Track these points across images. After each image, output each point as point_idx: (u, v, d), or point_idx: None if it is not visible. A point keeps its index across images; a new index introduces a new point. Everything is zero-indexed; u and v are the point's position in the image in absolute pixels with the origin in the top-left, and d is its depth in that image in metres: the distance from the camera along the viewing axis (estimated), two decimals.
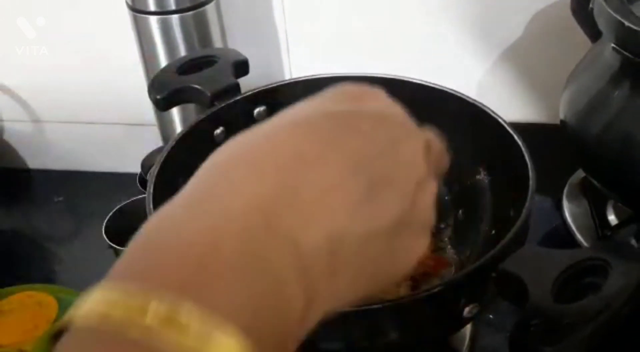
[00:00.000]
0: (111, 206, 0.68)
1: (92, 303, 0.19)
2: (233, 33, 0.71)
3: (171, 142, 0.52)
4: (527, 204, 0.45)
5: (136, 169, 0.71)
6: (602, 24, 0.55)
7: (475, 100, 0.55)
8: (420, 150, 0.28)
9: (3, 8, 0.75)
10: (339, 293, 0.25)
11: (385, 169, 0.26)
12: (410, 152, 0.27)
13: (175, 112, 0.70)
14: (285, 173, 0.23)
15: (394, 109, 0.29)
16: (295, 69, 0.78)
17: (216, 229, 0.21)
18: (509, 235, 0.42)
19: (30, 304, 0.62)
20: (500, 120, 0.53)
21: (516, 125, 0.52)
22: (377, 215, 0.25)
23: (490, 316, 0.59)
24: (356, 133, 0.26)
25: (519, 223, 0.43)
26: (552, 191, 0.71)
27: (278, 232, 0.22)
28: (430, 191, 0.29)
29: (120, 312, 0.19)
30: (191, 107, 0.67)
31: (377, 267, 0.26)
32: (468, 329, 0.57)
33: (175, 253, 0.20)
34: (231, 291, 0.20)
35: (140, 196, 0.67)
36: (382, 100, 0.29)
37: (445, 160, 0.32)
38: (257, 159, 0.23)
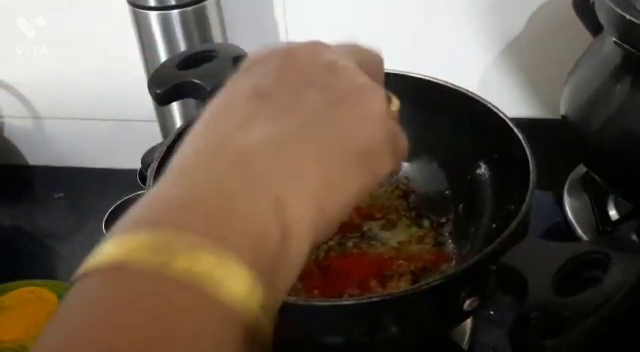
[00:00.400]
0: (111, 202, 0.68)
1: (110, 252, 0.22)
2: (233, 28, 0.71)
3: (170, 138, 0.52)
4: (527, 199, 0.45)
5: (136, 165, 0.71)
6: (603, 18, 0.55)
7: (476, 96, 0.55)
8: (325, 61, 0.32)
9: (3, 8, 0.75)
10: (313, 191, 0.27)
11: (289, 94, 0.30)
12: (308, 60, 0.32)
13: (175, 107, 0.70)
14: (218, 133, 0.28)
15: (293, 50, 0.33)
16: None
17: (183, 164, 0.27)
18: (509, 228, 0.42)
19: (31, 300, 0.62)
20: (501, 115, 0.53)
21: (517, 121, 0.52)
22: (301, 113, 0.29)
23: (491, 312, 0.58)
24: (255, 78, 0.30)
25: (519, 217, 0.43)
26: (553, 186, 0.71)
27: (224, 158, 0.26)
28: (345, 63, 0.33)
29: (142, 254, 0.22)
30: (191, 102, 0.66)
31: (348, 111, 0.30)
32: (468, 325, 0.57)
33: (154, 200, 0.25)
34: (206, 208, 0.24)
35: (141, 192, 0.67)
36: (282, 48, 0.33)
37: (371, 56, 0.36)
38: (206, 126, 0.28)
